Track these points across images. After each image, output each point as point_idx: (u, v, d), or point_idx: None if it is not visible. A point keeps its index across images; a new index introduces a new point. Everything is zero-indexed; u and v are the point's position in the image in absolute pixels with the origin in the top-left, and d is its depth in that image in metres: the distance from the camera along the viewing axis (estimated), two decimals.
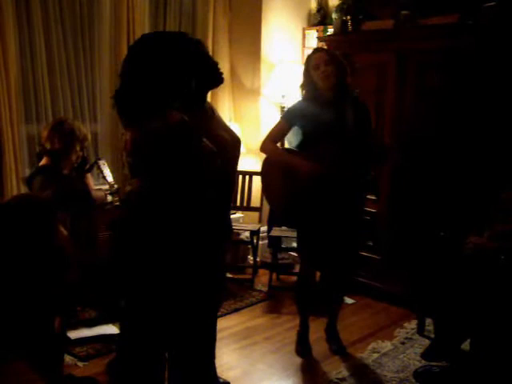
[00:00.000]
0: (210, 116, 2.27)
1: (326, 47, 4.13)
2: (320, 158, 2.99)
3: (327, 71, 3.01)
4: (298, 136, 3.16)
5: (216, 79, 2.27)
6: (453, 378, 2.95)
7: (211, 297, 2.23)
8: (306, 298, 3.34)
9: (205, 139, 1.96)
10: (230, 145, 2.26)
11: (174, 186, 1.91)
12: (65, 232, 2.15)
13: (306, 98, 3.14)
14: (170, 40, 1.97)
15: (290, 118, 3.14)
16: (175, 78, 1.93)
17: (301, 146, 3.18)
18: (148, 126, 1.86)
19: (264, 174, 3.25)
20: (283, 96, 4.55)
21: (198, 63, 2.08)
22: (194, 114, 2.14)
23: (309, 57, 3.13)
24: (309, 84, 3.09)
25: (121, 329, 2.34)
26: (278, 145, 3.37)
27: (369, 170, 3.31)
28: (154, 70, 1.89)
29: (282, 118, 3.26)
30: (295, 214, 3.18)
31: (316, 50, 3.22)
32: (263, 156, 3.28)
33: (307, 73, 3.09)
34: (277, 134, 3.22)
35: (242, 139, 2.34)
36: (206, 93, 2.30)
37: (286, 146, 3.48)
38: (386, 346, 3.40)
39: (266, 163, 3.24)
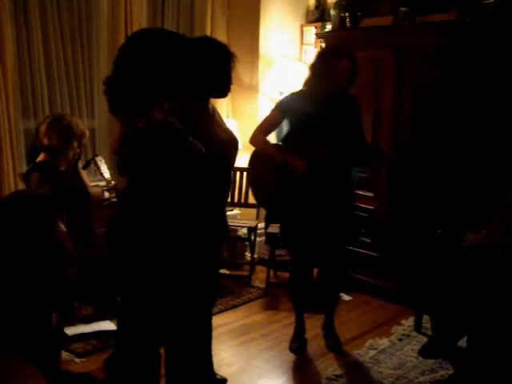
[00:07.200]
0: (210, 116, 2.27)
1: (324, 44, 4.13)
2: (309, 157, 2.95)
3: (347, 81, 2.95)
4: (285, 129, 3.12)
5: (220, 90, 2.27)
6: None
7: (204, 293, 2.24)
8: (300, 294, 3.34)
9: (192, 139, 1.93)
10: (228, 145, 2.25)
11: (159, 186, 1.90)
12: (63, 228, 2.15)
13: (301, 92, 3.07)
14: (165, 37, 1.95)
15: (283, 109, 3.07)
16: (162, 75, 1.90)
17: (286, 140, 3.15)
18: (131, 126, 1.85)
19: (252, 166, 3.19)
20: (281, 92, 4.54)
21: (200, 67, 2.08)
22: (193, 113, 2.13)
23: (335, 60, 2.92)
24: (318, 82, 2.96)
25: (118, 325, 2.34)
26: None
27: (359, 168, 3.30)
28: (144, 65, 1.87)
29: (275, 109, 3.13)
30: (282, 208, 3.16)
31: (342, 55, 2.94)
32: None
33: (325, 72, 2.92)
34: (269, 126, 3.13)
35: (239, 136, 2.35)
36: (208, 98, 2.29)
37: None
38: (383, 342, 3.40)
39: (254, 156, 3.18)
